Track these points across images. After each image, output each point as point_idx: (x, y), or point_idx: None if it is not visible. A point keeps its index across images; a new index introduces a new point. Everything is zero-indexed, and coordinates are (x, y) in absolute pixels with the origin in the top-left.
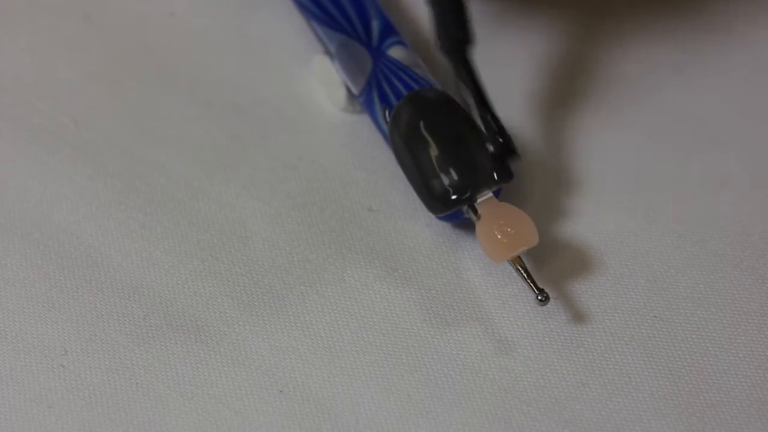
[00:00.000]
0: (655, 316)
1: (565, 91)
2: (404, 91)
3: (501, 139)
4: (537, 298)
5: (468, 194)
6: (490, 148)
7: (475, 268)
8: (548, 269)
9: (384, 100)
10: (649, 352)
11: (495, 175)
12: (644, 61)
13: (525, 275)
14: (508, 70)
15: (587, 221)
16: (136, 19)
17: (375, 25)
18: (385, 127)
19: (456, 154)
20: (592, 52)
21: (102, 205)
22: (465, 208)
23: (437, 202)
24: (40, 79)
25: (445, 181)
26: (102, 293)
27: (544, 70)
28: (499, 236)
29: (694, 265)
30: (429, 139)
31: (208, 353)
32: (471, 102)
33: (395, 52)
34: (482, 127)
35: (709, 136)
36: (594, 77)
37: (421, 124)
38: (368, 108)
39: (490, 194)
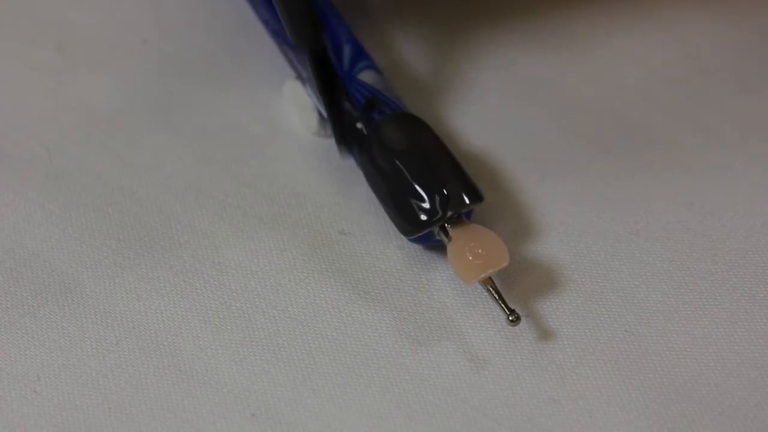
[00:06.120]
0: (626, 331)
1: (533, 113)
2: (375, 115)
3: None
4: (508, 318)
5: (439, 216)
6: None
7: (447, 289)
8: (519, 288)
9: None
10: (620, 366)
11: (465, 197)
12: (605, 81)
13: (496, 296)
14: (478, 93)
15: (557, 241)
16: (108, 47)
17: (346, 50)
18: (356, 150)
19: (427, 176)
20: (560, 77)
21: (75, 233)
22: (436, 230)
23: (409, 224)
24: (14, 109)
25: (417, 203)
26: (75, 319)
27: (511, 94)
28: (470, 258)
29: (664, 280)
30: (400, 162)
31: (180, 377)
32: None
33: (366, 77)
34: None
35: (676, 158)
36: (562, 99)
37: (392, 147)
38: None
39: (461, 216)
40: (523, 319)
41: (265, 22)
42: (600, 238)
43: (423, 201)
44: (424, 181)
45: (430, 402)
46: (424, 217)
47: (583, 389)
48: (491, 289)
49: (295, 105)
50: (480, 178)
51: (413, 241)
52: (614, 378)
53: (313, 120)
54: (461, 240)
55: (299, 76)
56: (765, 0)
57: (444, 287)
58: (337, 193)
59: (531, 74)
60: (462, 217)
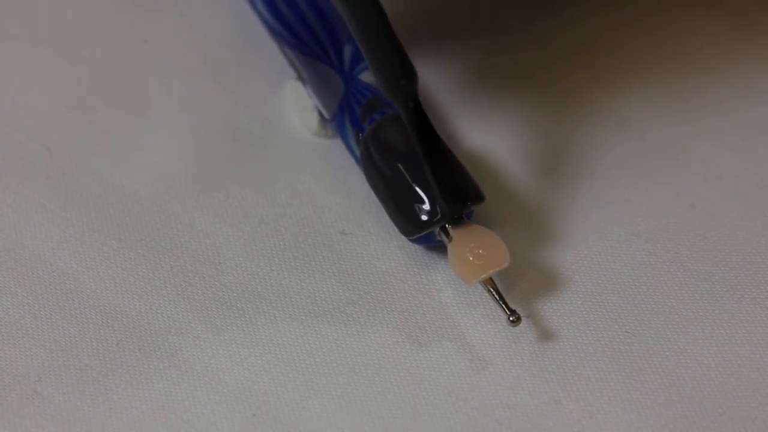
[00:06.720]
0: (627, 332)
1: (533, 113)
2: (376, 115)
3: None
4: (509, 318)
5: (440, 217)
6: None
7: (447, 289)
8: (519, 289)
9: (356, 124)
10: (621, 367)
11: (466, 197)
12: (612, 87)
13: (497, 296)
14: (479, 93)
15: (558, 242)
16: (109, 47)
17: (347, 50)
18: (357, 151)
19: (427, 176)
20: (559, 82)
21: (76, 233)
22: (437, 230)
23: (409, 224)
24: (15, 108)
25: (417, 203)
26: (75, 319)
27: (512, 94)
28: (471, 258)
29: (665, 281)
30: (401, 162)
31: (181, 377)
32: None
33: (367, 77)
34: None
35: (677, 160)
36: (562, 99)
37: (393, 147)
38: (340, 132)
39: (462, 216)
40: (524, 320)
41: (265, 22)
42: (601, 238)
43: (423, 201)
44: (424, 181)
45: (431, 402)
46: (424, 218)
47: (584, 390)
48: (492, 290)
49: (296, 105)
50: (481, 179)
51: (414, 241)
52: (615, 378)
53: (313, 120)
54: (462, 240)
55: (299, 77)
56: (766, 2)
57: (445, 288)
58: (338, 193)
59: (531, 74)
60: (463, 218)
